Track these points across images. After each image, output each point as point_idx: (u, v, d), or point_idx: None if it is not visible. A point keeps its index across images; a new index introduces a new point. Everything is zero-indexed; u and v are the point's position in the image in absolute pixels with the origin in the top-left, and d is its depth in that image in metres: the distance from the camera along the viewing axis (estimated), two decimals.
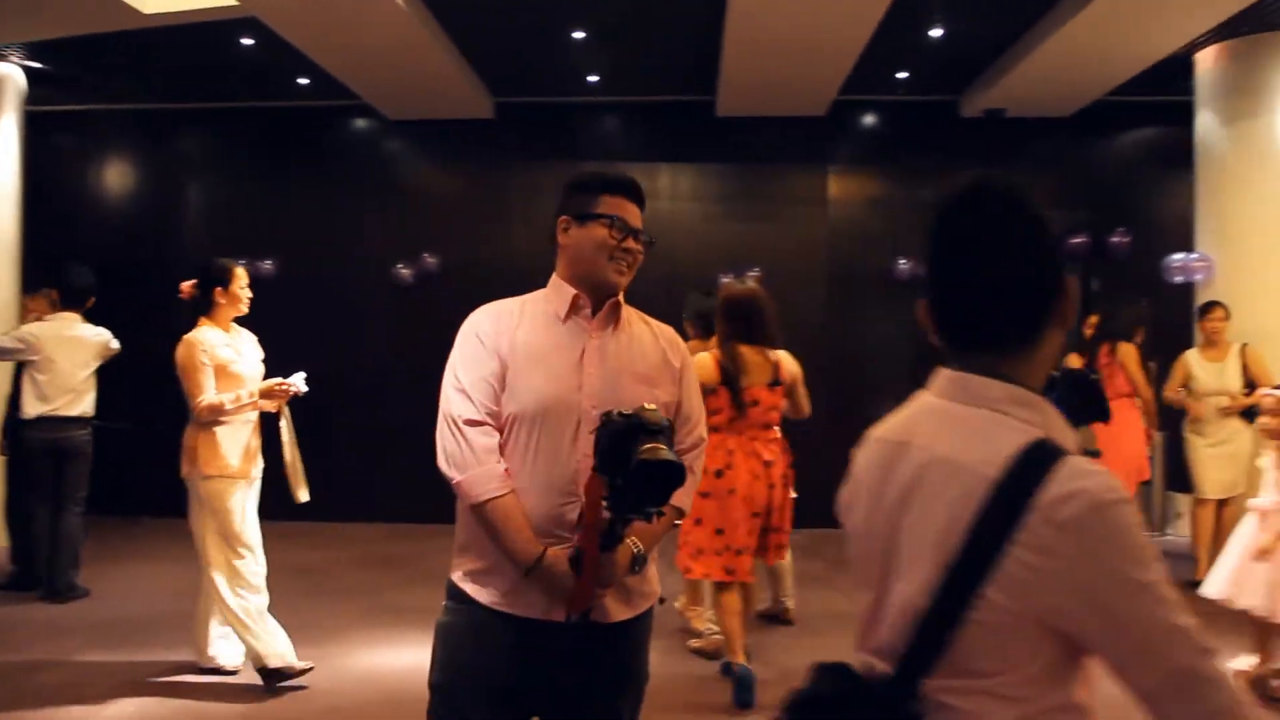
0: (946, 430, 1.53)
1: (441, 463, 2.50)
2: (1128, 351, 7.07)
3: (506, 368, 2.48)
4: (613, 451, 2.21)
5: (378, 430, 9.64)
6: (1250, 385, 7.43)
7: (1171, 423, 8.23)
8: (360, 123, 10.37)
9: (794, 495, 5.43)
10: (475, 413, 2.46)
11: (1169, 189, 9.81)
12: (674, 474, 2.17)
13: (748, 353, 5.10)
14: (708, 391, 4.90)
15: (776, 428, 5.22)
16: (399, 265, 10.04)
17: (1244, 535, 5.14)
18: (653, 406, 2.25)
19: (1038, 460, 1.42)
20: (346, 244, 10.07)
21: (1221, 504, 7.49)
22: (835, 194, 10.15)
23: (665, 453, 2.17)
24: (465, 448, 2.45)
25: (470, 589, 2.51)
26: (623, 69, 9.38)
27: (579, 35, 8.32)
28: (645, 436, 2.19)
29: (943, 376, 1.60)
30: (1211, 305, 7.64)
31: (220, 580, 5.14)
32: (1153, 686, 1.37)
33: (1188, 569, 7.83)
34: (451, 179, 10.43)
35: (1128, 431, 6.98)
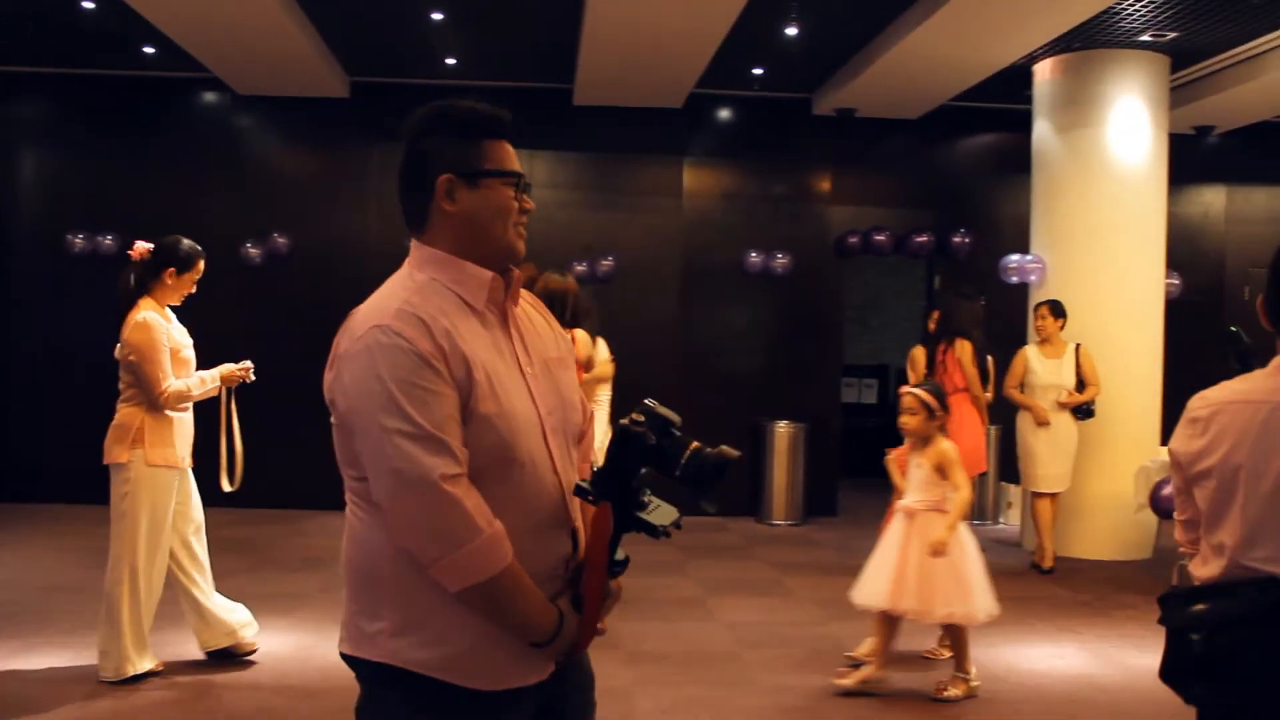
0: None
1: (414, 542, 1.88)
2: (964, 348, 7.34)
3: (468, 394, 1.92)
4: (644, 463, 1.94)
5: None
6: (1081, 383, 7.82)
7: (1003, 416, 8.60)
8: (208, 96, 10.06)
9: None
10: (455, 465, 1.87)
11: (1009, 192, 10.22)
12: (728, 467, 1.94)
13: None
14: None
15: None
16: (247, 245, 9.79)
17: (893, 538, 5.15)
18: (651, 401, 2.00)
19: None
20: (192, 221, 9.70)
21: (1054, 495, 7.86)
22: (690, 186, 10.27)
23: (727, 449, 1.94)
24: (457, 515, 1.85)
25: (454, 676, 1.94)
26: (481, 53, 9.32)
27: (437, 17, 8.23)
28: (668, 438, 1.95)
29: None
30: (1040, 304, 8.01)
31: (139, 573, 4.90)
32: None
33: (1015, 555, 8.24)
34: (304, 158, 10.20)
35: (966, 425, 7.26)
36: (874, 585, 5.10)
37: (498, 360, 2.00)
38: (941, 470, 5.08)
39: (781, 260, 9.98)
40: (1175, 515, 2.43)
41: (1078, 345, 7.88)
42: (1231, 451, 2.20)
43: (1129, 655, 5.82)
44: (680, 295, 10.13)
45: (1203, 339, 9.86)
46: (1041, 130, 8.80)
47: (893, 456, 5.41)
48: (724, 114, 10.41)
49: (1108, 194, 8.38)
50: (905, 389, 5.30)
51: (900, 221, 10.22)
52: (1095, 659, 5.76)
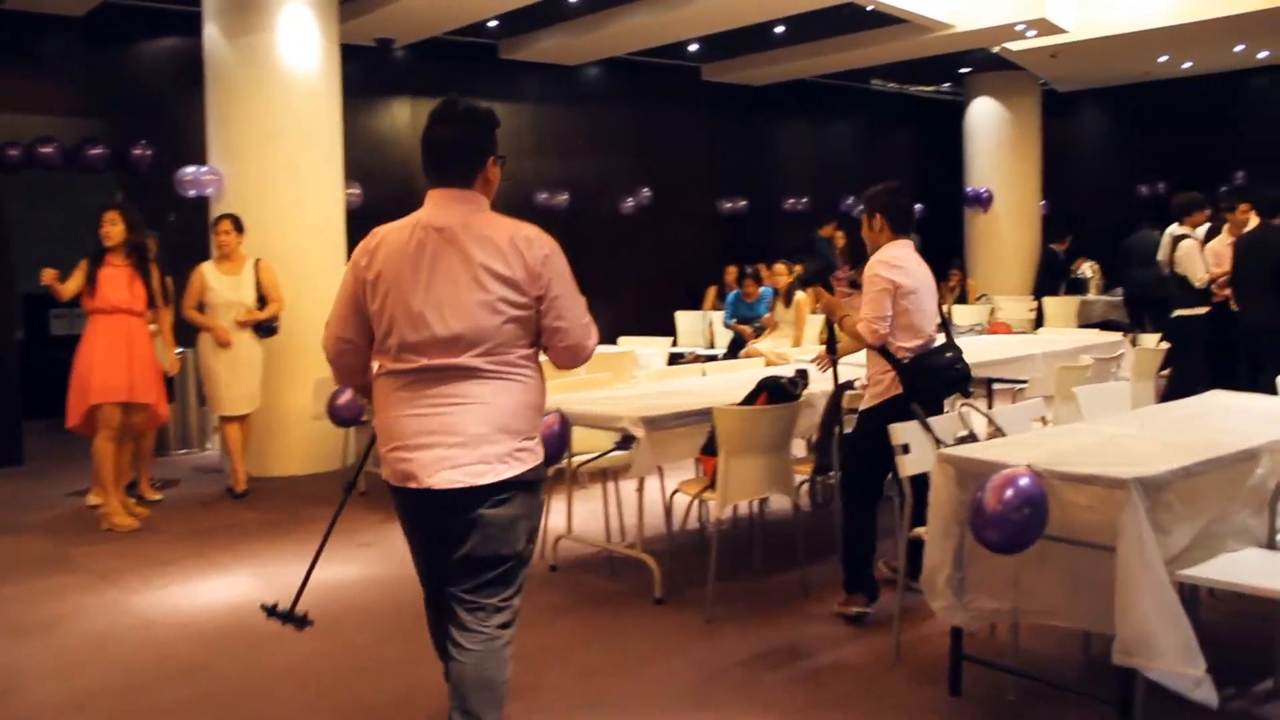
0: None
1: (588, 355, 3.16)
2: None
3: None
4: None
5: None
6: (262, 300, 7.59)
7: (194, 338, 8.16)
8: None
9: None
10: None
11: (193, 100, 9.63)
12: None
13: None
14: None
15: None
16: None
17: None
18: None
19: None
20: None
21: (243, 418, 7.60)
22: None
23: None
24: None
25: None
26: None
27: None
28: None
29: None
30: (220, 218, 7.64)
31: None
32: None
33: (218, 482, 7.90)
34: None
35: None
36: None
37: None
38: None
39: None
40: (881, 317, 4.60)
41: (257, 260, 7.63)
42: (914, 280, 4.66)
43: (298, 574, 5.75)
44: None
45: None
46: (212, 34, 8.29)
47: None
48: None
49: (283, 103, 8.15)
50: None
51: (70, 131, 9.23)
52: (268, 583, 5.61)
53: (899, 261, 4.67)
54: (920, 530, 4.09)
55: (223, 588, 5.56)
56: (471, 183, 3.05)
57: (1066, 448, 3.79)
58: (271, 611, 3.94)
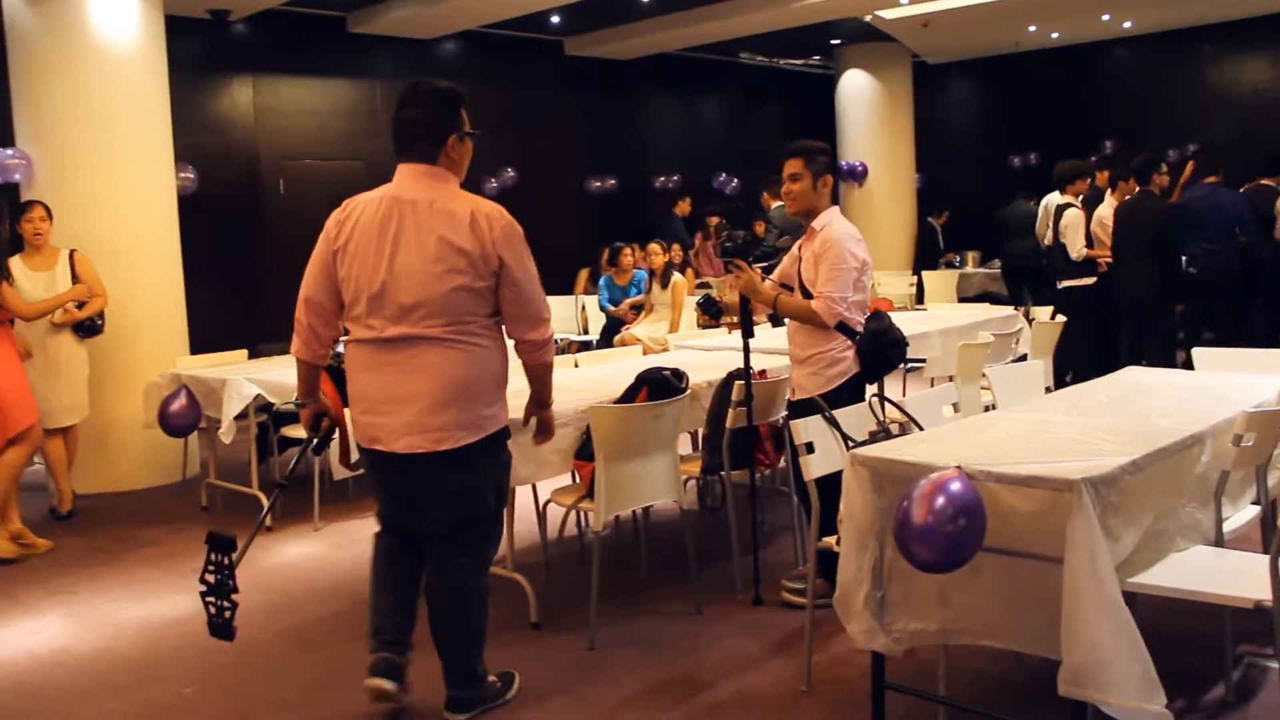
0: None
1: (546, 330, 3.44)
2: None
3: None
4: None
5: None
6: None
7: None
8: None
9: None
10: None
11: None
12: None
13: None
14: None
15: None
16: None
17: None
18: None
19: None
20: None
21: (66, 430, 6.78)
22: None
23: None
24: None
25: (506, 419, 3.46)
26: None
27: None
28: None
29: None
30: (29, 205, 6.78)
31: None
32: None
33: (43, 501, 7.02)
34: None
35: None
36: None
37: None
38: None
39: None
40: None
41: (72, 252, 6.80)
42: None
43: (125, 609, 5.03)
44: None
45: (237, 234, 9.34)
46: (12, 3, 7.38)
47: None
48: None
49: (99, 79, 7.28)
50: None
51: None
52: (81, 625, 4.87)
53: (859, 234, 4.47)
54: (830, 540, 3.60)
55: (26, 634, 4.78)
56: (435, 159, 3.27)
57: (993, 441, 3.32)
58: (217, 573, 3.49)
